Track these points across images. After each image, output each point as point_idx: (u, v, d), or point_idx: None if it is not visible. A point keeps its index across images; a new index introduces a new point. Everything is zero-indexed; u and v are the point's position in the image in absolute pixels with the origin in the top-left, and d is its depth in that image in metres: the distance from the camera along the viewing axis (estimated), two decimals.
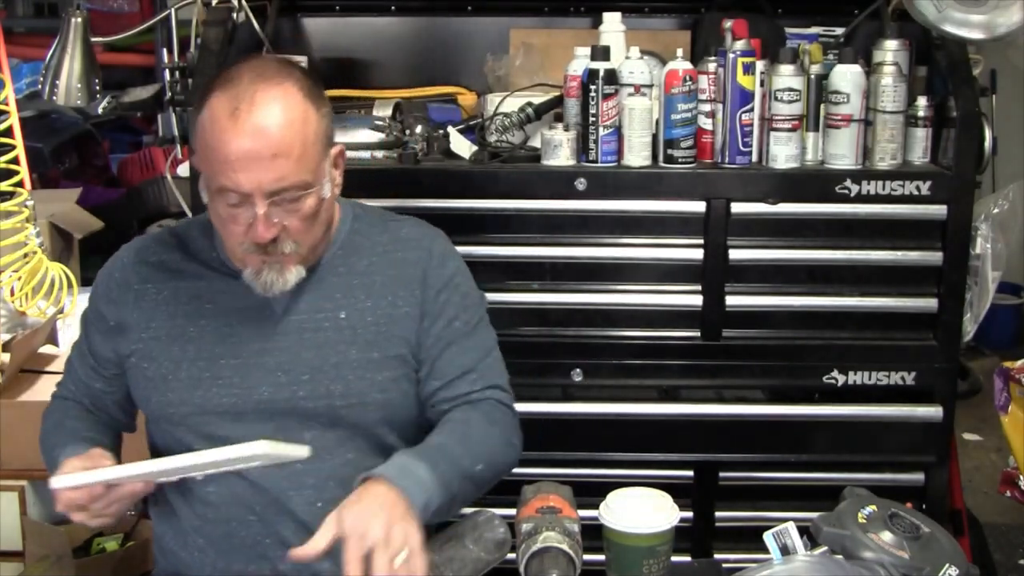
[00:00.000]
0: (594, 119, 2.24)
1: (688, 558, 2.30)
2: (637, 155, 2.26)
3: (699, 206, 2.27)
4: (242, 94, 1.51)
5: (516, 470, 2.31)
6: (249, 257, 1.59)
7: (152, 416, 1.72)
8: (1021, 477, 2.24)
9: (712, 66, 2.25)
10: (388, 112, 2.48)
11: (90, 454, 1.57)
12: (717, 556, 2.37)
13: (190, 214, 2.21)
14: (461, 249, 2.26)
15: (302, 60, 2.34)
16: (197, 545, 1.67)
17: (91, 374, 1.75)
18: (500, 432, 1.68)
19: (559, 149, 2.28)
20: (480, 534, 1.55)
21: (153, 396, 1.68)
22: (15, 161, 2.83)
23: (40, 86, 2.53)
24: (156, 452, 1.73)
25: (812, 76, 2.26)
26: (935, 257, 2.29)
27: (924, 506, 2.36)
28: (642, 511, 1.53)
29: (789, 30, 2.52)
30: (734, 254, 2.29)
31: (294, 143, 1.52)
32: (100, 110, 3.20)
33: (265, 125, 1.50)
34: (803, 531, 1.43)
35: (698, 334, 2.33)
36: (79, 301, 2.91)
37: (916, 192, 2.26)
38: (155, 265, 1.71)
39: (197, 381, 1.65)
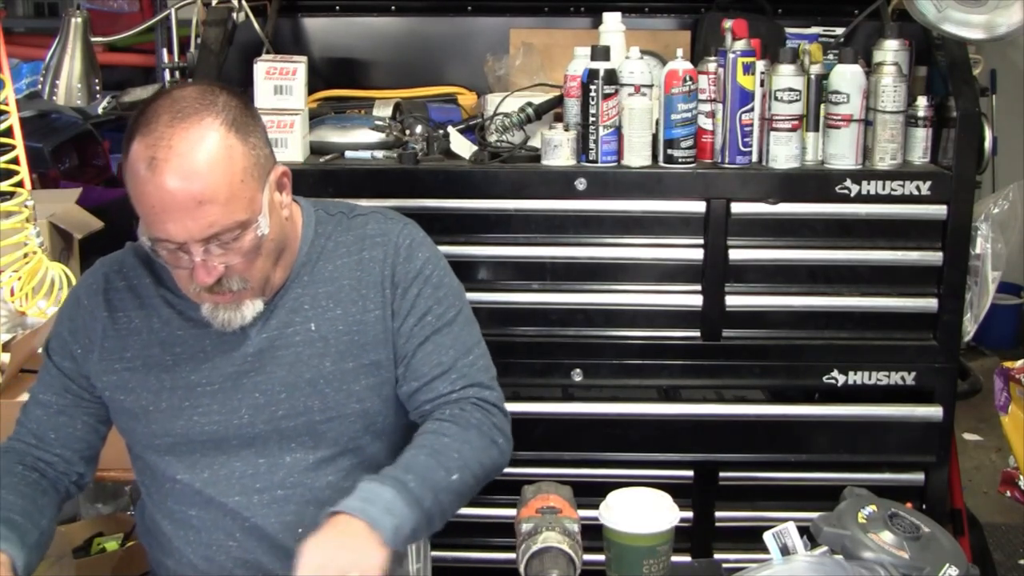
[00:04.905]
0: (594, 119, 2.24)
1: (688, 558, 2.30)
2: (637, 155, 2.26)
3: (699, 206, 2.27)
4: (159, 140, 1.42)
5: (516, 470, 2.31)
6: (202, 296, 1.54)
7: (138, 445, 1.67)
8: (1021, 477, 2.23)
9: (712, 66, 2.25)
10: (388, 112, 2.48)
11: None
12: (717, 556, 2.37)
13: None
14: (461, 249, 2.28)
15: (302, 60, 2.34)
16: (182, 564, 1.66)
17: (50, 415, 1.66)
18: (477, 435, 1.59)
19: (559, 149, 2.28)
20: None
21: (137, 427, 1.64)
22: (15, 161, 2.83)
23: (40, 86, 2.53)
24: (144, 480, 1.70)
25: (812, 76, 2.26)
26: (935, 257, 2.29)
27: (924, 506, 2.37)
28: (642, 511, 1.53)
29: (789, 30, 2.52)
30: (734, 254, 2.29)
31: (219, 186, 1.43)
32: (100, 110, 3.21)
33: (186, 172, 1.41)
34: (803, 531, 1.43)
35: (698, 334, 2.33)
36: None
37: (916, 192, 2.26)
38: (124, 293, 1.65)
39: (178, 411, 1.61)
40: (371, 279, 1.64)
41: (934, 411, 2.34)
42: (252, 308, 1.56)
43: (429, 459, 1.51)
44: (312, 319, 1.62)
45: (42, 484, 1.62)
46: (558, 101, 2.37)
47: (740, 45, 2.23)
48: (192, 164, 1.42)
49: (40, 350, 1.74)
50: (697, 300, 2.32)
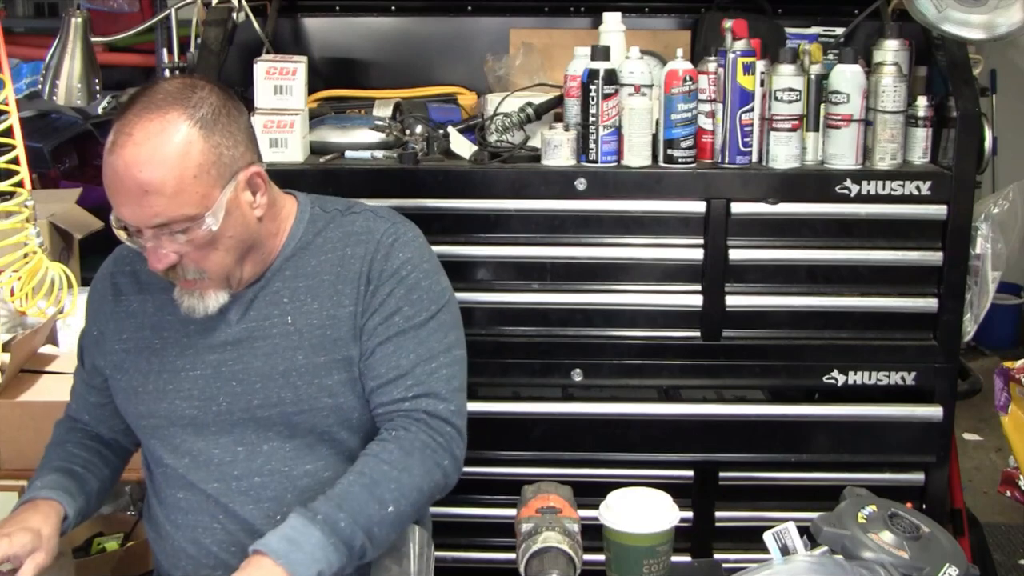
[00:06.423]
0: (594, 119, 2.24)
1: (688, 558, 2.31)
2: (637, 155, 2.26)
3: (699, 206, 2.27)
4: (124, 126, 1.48)
5: (516, 470, 2.33)
6: (168, 277, 1.58)
7: (134, 427, 1.74)
8: (1021, 477, 2.23)
9: (712, 66, 2.25)
10: (388, 112, 2.48)
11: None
12: (717, 556, 2.37)
13: None
14: (461, 249, 2.28)
15: (302, 60, 2.34)
16: (174, 548, 1.68)
17: (88, 389, 1.77)
18: (420, 460, 1.57)
19: (559, 149, 2.28)
20: None
21: (129, 408, 1.70)
22: (15, 161, 2.83)
23: (40, 86, 2.54)
24: (145, 465, 1.76)
25: (812, 76, 2.26)
26: (935, 257, 2.29)
27: (924, 506, 2.37)
28: (642, 511, 1.53)
29: (789, 30, 2.53)
30: (734, 254, 2.29)
31: (167, 179, 1.46)
32: (100, 110, 3.21)
33: (135, 161, 1.46)
34: (803, 531, 1.43)
35: (698, 334, 2.33)
36: (79, 301, 2.90)
37: (916, 192, 2.26)
38: (127, 277, 1.72)
39: (162, 393, 1.65)
40: (350, 275, 1.64)
41: (934, 411, 2.34)
42: (216, 299, 1.59)
43: (364, 491, 1.52)
44: (290, 312, 1.64)
45: (103, 440, 1.78)
46: (558, 101, 2.37)
47: (740, 45, 2.23)
48: (143, 154, 1.46)
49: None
50: (697, 300, 2.32)
